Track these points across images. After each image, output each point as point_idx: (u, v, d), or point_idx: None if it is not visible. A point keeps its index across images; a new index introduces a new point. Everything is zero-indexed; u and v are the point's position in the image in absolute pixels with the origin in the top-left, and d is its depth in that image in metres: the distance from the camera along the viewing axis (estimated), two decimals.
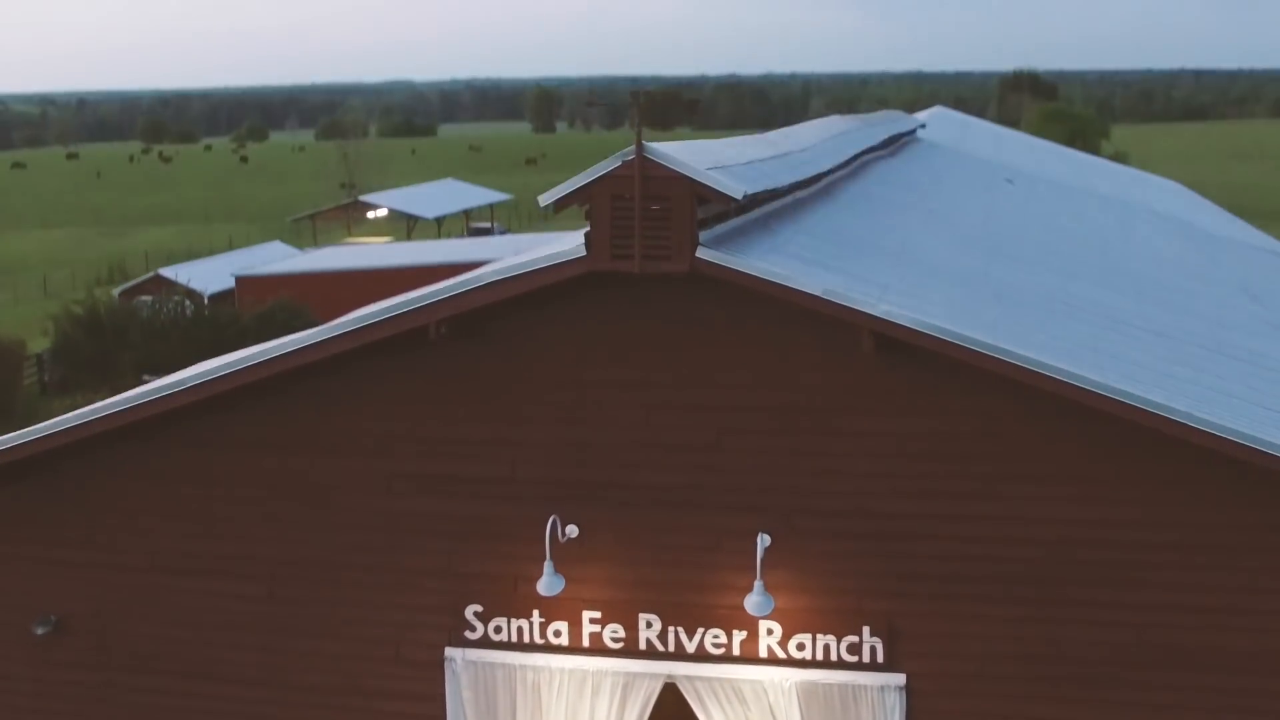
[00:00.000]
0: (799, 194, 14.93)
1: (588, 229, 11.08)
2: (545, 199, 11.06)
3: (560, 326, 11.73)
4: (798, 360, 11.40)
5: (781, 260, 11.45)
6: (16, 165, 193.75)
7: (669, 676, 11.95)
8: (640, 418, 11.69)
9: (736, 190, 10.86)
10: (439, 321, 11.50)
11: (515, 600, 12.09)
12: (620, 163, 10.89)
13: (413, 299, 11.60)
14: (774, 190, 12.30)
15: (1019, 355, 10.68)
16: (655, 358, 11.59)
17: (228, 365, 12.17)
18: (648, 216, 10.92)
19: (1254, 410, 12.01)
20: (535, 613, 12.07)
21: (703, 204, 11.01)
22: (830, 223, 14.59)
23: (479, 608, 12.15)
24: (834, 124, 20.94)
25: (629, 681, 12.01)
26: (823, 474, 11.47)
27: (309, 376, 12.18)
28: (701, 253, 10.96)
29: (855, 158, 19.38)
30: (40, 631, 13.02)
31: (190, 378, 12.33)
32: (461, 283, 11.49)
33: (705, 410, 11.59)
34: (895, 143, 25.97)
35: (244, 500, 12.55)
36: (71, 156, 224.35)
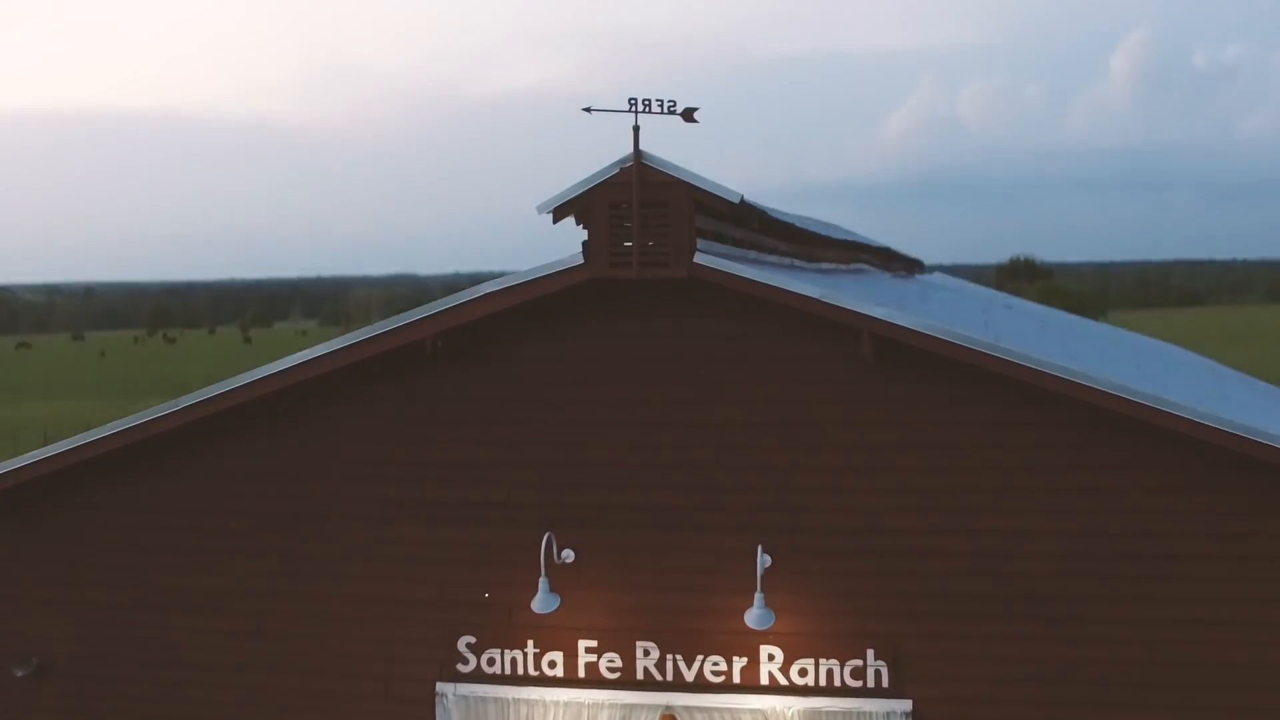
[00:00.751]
0: (795, 260, 14.92)
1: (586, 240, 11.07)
2: (542, 207, 11.05)
3: (554, 346, 11.62)
4: (797, 374, 11.26)
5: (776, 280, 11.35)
6: (22, 345, 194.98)
7: (668, 707, 11.56)
8: (638, 437, 11.51)
9: (734, 194, 10.87)
10: (436, 335, 11.40)
11: (509, 631, 11.75)
12: (619, 170, 10.91)
13: (410, 313, 11.51)
14: (764, 212, 12.25)
15: (1022, 355, 10.57)
16: (652, 375, 11.46)
17: (212, 389, 12.02)
18: (646, 222, 10.91)
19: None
20: (530, 643, 11.73)
21: (700, 211, 11.00)
22: (824, 279, 14.54)
23: (472, 639, 11.80)
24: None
25: (626, 714, 11.62)
26: (825, 490, 11.24)
27: (298, 401, 12.02)
28: (700, 259, 10.92)
29: (851, 248, 19.44)
30: (20, 674, 12.64)
31: (173, 403, 12.16)
32: (459, 295, 11.40)
33: (704, 428, 11.41)
34: (891, 259, 26.08)
35: (231, 531, 12.28)
36: (77, 338, 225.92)
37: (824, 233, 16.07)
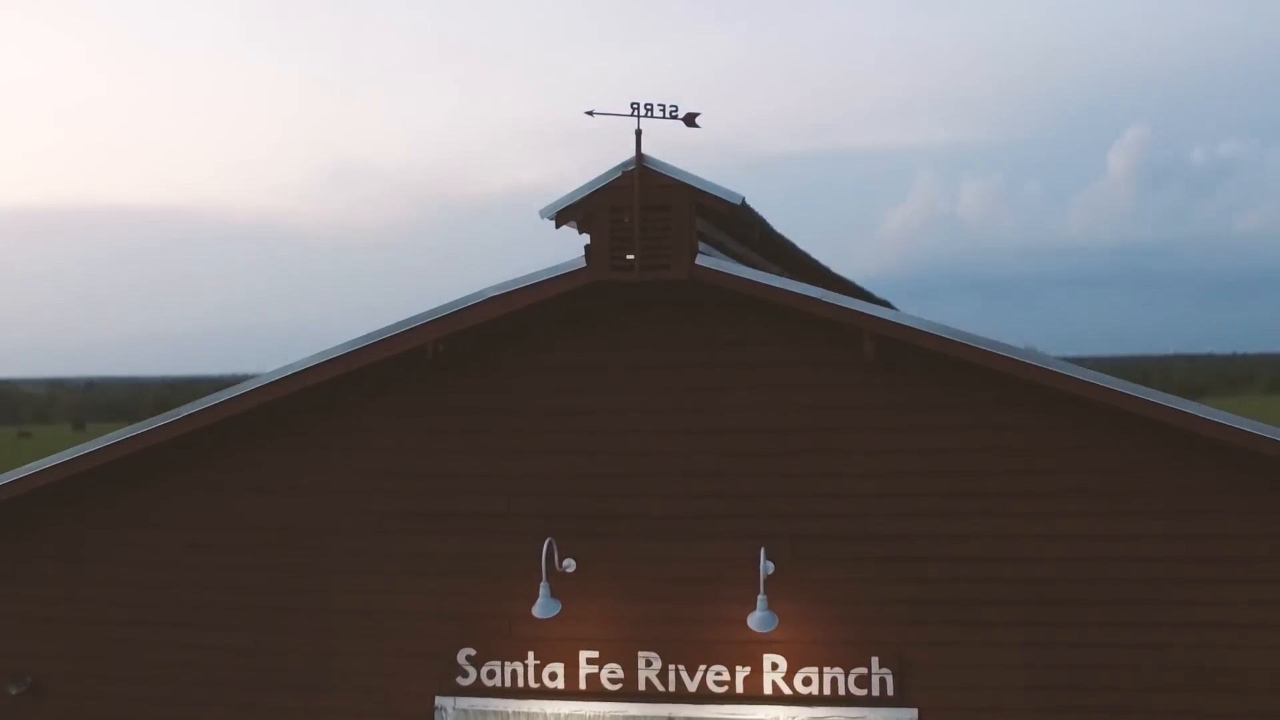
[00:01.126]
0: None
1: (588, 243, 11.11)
2: (545, 211, 11.10)
3: (555, 354, 11.60)
4: (799, 378, 11.23)
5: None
6: (23, 434, 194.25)
7: (670, 718, 11.40)
8: (639, 444, 11.44)
9: (735, 196, 10.91)
10: (437, 340, 11.39)
11: (510, 642, 11.61)
12: (621, 173, 10.98)
13: (411, 318, 11.50)
14: (765, 222, 12.29)
15: (1026, 352, 10.55)
16: (653, 382, 11.43)
17: (208, 401, 11.98)
18: (647, 225, 10.95)
19: None
20: (530, 654, 11.59)
21: (702, 215, 11.05)
22: None
23: (472, 651, 11.66)
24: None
25: None
26: (827, 496, 11.16)
27: (296, 411, 11.97)
28: (701, 260, 10.95)
29: (851, 291, 19.47)
30: (15, 692, 12.49)
31: (170, 414, 12.12)
32: (459, 300, 11.39)
33: (705, 434, 11.35)
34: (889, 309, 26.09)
35: (228, 546, 12.18)
36: (78, 428, 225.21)
37: (818, 260, 16.06)
